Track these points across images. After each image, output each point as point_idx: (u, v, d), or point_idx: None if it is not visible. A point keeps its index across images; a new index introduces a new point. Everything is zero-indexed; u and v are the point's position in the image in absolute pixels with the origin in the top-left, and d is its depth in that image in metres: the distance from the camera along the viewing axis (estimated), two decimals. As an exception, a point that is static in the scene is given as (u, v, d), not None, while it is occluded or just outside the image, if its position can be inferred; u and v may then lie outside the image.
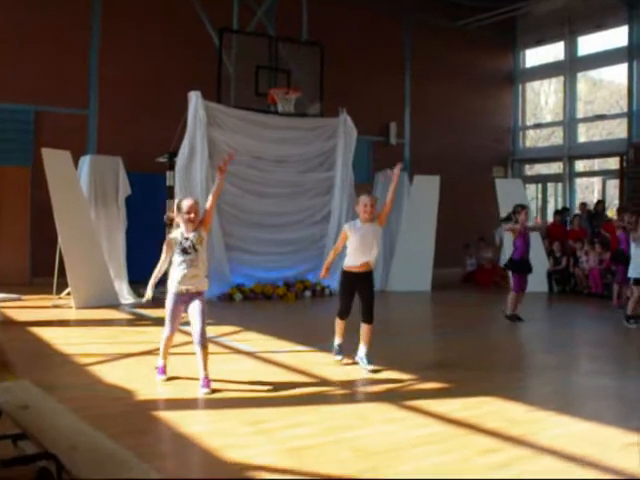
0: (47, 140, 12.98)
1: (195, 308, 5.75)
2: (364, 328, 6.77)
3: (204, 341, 5.73)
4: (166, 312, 5.88)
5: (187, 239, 5.74)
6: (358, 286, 6.77)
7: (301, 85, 13.53)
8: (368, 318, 6.74)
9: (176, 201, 5.95)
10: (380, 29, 18.34)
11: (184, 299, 5.79)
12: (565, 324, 10.76)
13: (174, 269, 5.81)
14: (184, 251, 5.73)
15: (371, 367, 6.63)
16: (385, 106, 18.49)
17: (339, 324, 6.99)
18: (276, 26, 15.08)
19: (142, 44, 15.05)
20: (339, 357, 6.99)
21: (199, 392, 5.64)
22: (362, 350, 6.79)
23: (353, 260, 6.73)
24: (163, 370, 6.06)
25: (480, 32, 19.87)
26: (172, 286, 5.80)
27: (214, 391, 5.68)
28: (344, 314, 6.90)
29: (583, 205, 17.41)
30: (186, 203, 5.79)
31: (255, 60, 13.24)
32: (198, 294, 5.81)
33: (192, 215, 5.74)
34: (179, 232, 5.78)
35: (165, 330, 5.94)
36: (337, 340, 7.04)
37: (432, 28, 19.22)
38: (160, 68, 15.16)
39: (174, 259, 5.80)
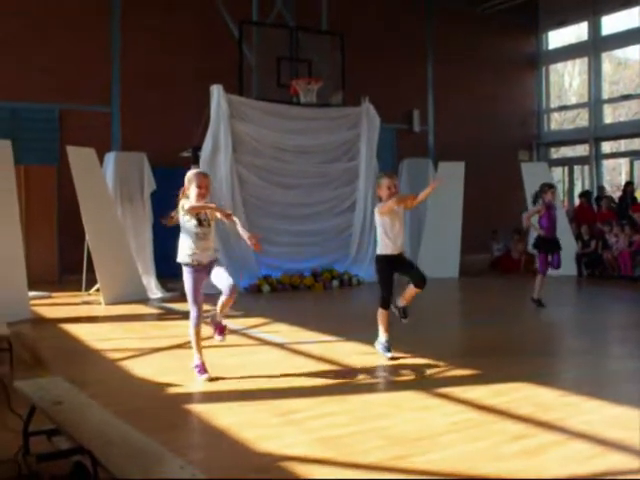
0: (72, 138, 13.11)
1: (216, 272, 5.73)
2: (413, 289, 6.56)
3: (234, 290, 5.73)
4: (187, 292, 5.76)
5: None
6: (397, 266, 6.58)
7: (322, 75, 13.48)
8: (421, 283, 6.50)
9: (187, 174, 5.82)
10: (400, 15, 18.21)
11: (200, 273, 5.72)
12: (595, 307, 10.67)
13: (184, 240, 5.73)
14: (199, 222, 5.66)
15: (389, 355, 6.56)
16: (408, 93, 18.38)
17: (383, 315, 6.59)
18: (296, 16, 15.03)
19: (163, 39, 15.10)
20: (389, 354, 6.54)
21: (215, 339, 6.01)
22: (400, 303, 6.64)
23: (386, 244, 6.53)
24: (203, 368, 5.84)
25: (502, 15, 19.63)
26: (184, 258, 5.73)
27: (214, 379, 5.81)
28: (388, 302, 6.55)
29: (601, 189, 17.35)
30: (197, 177, 5.73)
31: (276, 51, 13.21)
32: (212, 262, 5.77)
33: (203, 190, 5.67)
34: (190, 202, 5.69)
35: (192, 315, 5.75)
36: (383, 336, 6.62)
37: (453, 13, 19.04)
38: (181, 62, 15.19)
39: (184, 229, 5.72)
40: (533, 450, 4.04)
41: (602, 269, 14.08)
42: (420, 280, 6.52)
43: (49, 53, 14.00)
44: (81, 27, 14.38)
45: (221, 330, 6.00)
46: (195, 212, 5.66)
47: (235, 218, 5.69)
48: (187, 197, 5.72)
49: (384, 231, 6.55)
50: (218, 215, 5.73)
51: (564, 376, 6.20)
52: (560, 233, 10.33)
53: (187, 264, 5.74)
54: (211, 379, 5.77)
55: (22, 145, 12.55)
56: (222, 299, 5.79)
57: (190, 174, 5.81)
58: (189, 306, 5.84)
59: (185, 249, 5.75)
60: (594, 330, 8.50)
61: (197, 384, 5.73)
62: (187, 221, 5.70)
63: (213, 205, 5.83)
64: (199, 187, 5.67)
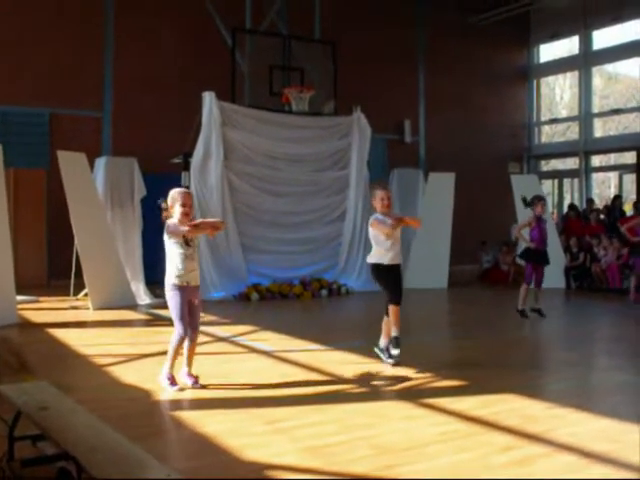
0: (62, 142, 13.07)
1: (196, 310, 5.80)
2: (389, 321, 6.65)
3: (195, 336, 5.84)
4: (174, 311, 5.66)
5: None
6: (390, 275, 6.62)
7: (314, 83, 13.51)
8: (397, 300, 6.59)
9: (170, 193, 5.78)
10: (393, 26, 18.28)
11: (187, 293, 5.67)
12: (583, 320, 10.70)
13: (172, 262, 5.67)
14: (186, 243, 5.64)
15: (391, 361, 6.62)
16: (399, 104, 18.45)
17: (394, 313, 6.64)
18: (288, 25, 15.07)
19: (155, 46, 15.12)
20: (391, 360, 6.64)
21: (184, 380, 5.81)
22: (383, 342, 6.74)
23: (378, 254, 6.60)
24: (173, 380, 5.74)
25: (494, 27, 19.76)
26: (172, 279, 5.66)
27: (202, 386, 5.79)
28: (399, 299, 6.57)
29: (590, 201, 17.44)
30: (182, 196, 5.71)
31: (268, 59, 13.24)
32: (196, 288, 5.78)
33: (187, 209, 5.66)
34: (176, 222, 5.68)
35: (177, 331, 5.65)
36: (385, 341, 6.73)
37: (445, 24, 19.14)
38: (174, 69, 15.21)
39: (171, 251, 5.67)
40: (520, 461, 4.04)
41: (590, 282, 14.12)
42: (396, 299, 6.56)
43: (40, 57, 13.99)
44: (73, 31, 14.38)
45: (195, 380, 5.85)
46: (190, 235, 5.65)
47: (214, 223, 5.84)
48: (171, 216, 5.69)
49: (376, 242, 6.62)
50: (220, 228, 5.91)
51: (551, 388, 6.21)
52: (549, 245, 10.39)
53: (175, 285, 5.67)
54: (182, 389, 5.70)
55: (12, 148, 12.49)
56: (187, 346, 5.80)
57: (174, 193, 5.76)
58: (175, 324, 5.70)
59: (173, 271, 5.67)
60: (581, 342, 8.52)
61: (178, 393, 5.68)
62: (173, 243, 5.66)
63: (208, 230, 5.87)
64: (183, 206, 5.65)
